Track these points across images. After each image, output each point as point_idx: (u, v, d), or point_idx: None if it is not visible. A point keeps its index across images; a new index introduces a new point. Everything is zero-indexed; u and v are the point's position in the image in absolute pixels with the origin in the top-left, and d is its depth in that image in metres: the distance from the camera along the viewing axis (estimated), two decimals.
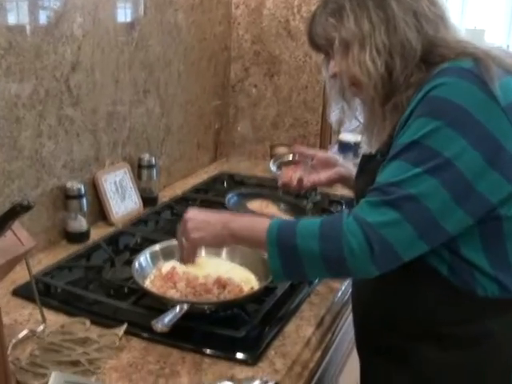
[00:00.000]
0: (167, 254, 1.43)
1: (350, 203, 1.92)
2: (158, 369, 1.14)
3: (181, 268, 1.36)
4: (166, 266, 1.39)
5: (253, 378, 1.08)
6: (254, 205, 1.87)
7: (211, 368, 1.14)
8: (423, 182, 1.01)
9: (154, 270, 1.40)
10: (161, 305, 1.26)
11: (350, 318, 1.42)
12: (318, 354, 1.25)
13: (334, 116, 2.58)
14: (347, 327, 1.49)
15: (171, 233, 1.47)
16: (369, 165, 1.24)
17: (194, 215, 1.22)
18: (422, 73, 1.10)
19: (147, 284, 1.34)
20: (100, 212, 1.84)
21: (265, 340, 1.23)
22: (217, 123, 2.55)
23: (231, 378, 1.10)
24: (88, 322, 1.24)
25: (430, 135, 1.02)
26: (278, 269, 1.08)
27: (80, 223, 1.69)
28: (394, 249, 1.00)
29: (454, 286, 1.10)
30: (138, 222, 1.84)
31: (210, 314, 1.25)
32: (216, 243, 1.21)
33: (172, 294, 1.28)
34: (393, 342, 1.20)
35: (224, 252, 1.46)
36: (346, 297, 1.47)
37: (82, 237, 1.69)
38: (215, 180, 2.29)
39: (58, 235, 1.69)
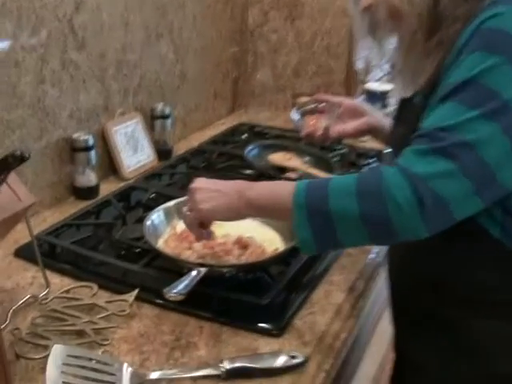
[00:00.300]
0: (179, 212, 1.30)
1: (381, 157, 1.77)
2: (173, 340, 1.02)
3: None
4: (182, 225, 1.26)
5: (278, 353, 0.96)
6: (276, 157, 1.72)
7: (232, 339, 1.02)
8: (481, 126, 0.85)
9: (169, 229, 1.27)
10: (175, 267, 1.13)
11: (382, 280, 1.29)
12: (351, 322, 1.13)
13: (360, 63, 2.42)
14: (378, 291, 1.36)
15: (187, 188, 1.33)
16: (407, 111, 1.09)
17: (203, 184, 1.05)
18: (470, 3, 0.94)
19: (160, 244, 1.21)
20: (110, 166, 1.71)
21: (291, 308, 1.10)
22: (234, 71, 2.39)
23: (254, 352, 0.97)
24: (95, 287, 1.13)
25: (487, 73, 0.87)
26: (307, 239, 0.92)
27: (88, 178, 1.56)
28: (447, 205, 0.85)
29: (507, 249, 0.96)
30: (152, 176, 1.70)
31: (230, 278, 1.13)
32: (231, 215, 1.03)
33: (188, 255, 1.15)
34: (436, 309, 1.07)
35: None
36: (380, 258, 1.34)
37: (90, 192, 1.56)
38: (234, 131, 2.14)
39: (65, 191, 1.57)
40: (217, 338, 1.03)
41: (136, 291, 1.10)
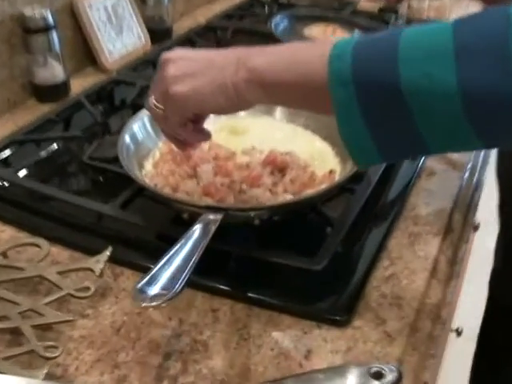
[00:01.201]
0: None
1: None
2: (170, 337, 0.61)
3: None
4: None
5: (347, 368, 0.54)
6: (315, 31, 1.23)
7: (264, 335, 0.61)
8: None
9: (161, 144, 0.83)
10: (171, 208, 0.70)
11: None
12: (452, 285, 0.70)
13: None
14: None
15: None
16: None
17: (180, 54, 0.62)
18: None
19: (147, 171, 0.78)
20: (86, 53, 1.25)
21: (359, 270, 0.68)
22: None
23: (303, 368, 0.56)
24: (46, 245, 0.71)
25: None
26: (362, 141, 0.51)
27: (52, 71, 1.11)
28: None
29: None
30: (142, 65, 1.23)
31: (260, 227, 0.69)
32: (223, 102, 0.59)
33: (189, 188, 0.71)
34: None
35: (278, 107, 0.86)
36: (482, 176, 0.89)
37: (56, 91, 1.13)
38: (252, 3, 1.62)
39: (22, 91, 1.12)
40: (240, 331, 0.61)
41: (108, 251, 0.68)
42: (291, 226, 0.71)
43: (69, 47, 1.19)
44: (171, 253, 0.56)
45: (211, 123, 0.86)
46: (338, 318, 0.62)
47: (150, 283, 0.52)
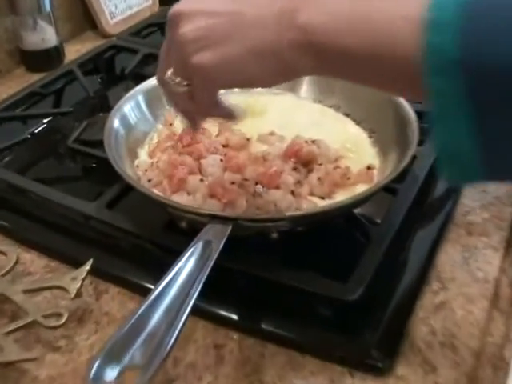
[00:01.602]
0: None
1: None
2: (161, 382, 0.47)
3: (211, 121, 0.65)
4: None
5: None
6: None
7: (281, 381, 0.47)
8: None
9: (160, 127, 0.68)
10: (168, 214, 0.56)
11: None
12: None
13: None
14: None
15: None
16: None
17: (196, 6, 0.45)
18: None
19: (141, 160, 0.63)
20: (84, 16, 1.10)
21: (403, 299, 0.53)
22: None
23: None
24: (13, 252, 0.57)
25: None
26: (463, 144, 0.35)
27: (42, 35, 0.97)
28: None
29: None
30: (148, 28, 1.08)
31: (280, 240, 0.54)
32: (261, 72, 0.43)
33: (191, 186, 0.57)
34: None
35: (304, 83, 0.71)
36: None
37: (48, 59, 0.98)
38: None
39: (8, 59, 0.98)
40: (250, 378, 0.48)
41: (88, 266, 0.54)
42: (317, 238, 0.57)
43: (64, 8, 1.05)
44: (149, 301, 0.42)
45: None
46: (376, 363, 0.48)
47: (111, 359, 0.37)
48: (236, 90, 0.72)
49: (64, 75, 0.91)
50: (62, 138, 0.77)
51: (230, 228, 0.47)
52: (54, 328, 0.50)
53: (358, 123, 0.69)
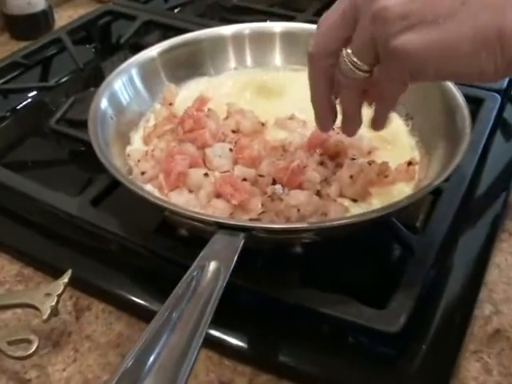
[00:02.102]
0: (193, 62, 0.60)
1: None
2: None
3: (220, 99, 0.55)
4: (187, 94, 0.58)
5: None
6: None
7: None
8: None
9: (158, 106, 0.58)
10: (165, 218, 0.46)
11: None
12: None
13: None
14: None
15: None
16: None
17: None
18: None
19: (135, 147, 0.53)
20: None
21: (449, 327, 0.43)
22: None
23: None
24: None
25: None
26: None
27: None
28: None
29: None
30: None
31: (306, 251, 0.43)
32: (479, 63, 0.33)
33: (194, 182, 0.47)
34: None
35: None
36: None
37: (35, 25, 0.87)
38: None
39: None
40: None
41: (66, 278, 0.44)
42: (343, 250, 0.46)
43: None
44: (153, 331, 0.32)
45: (230, 77, 0.62)
46: None
47: None
48: (249, 65, 0.62)
49: (51, 44, 0.80)
50: (48, 116, 0.67)
51: (242, 241, 0.37)
52: (21, 359, 0.40)
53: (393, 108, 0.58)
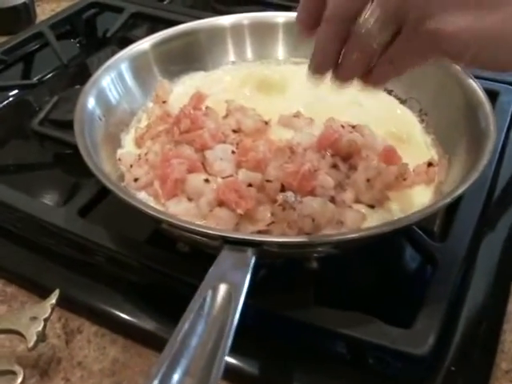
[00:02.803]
0: (188, 56, 0.55)
1: None
2: None
3: (218, 96, 0.50)
4: (182, 91, 0.53)
5: None
6: None
7: None
8: None
9: (151, 105, 0.53)
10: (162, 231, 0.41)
11: None
12: None
13: None
14: None
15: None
16: None
17: None
18: None
19: (125, 150, 0.48)
20: None
21: (481, 345, 0.39)
22: None
23: None
24: None
25: None
26: None
27: None
28: None
29: None
30: None
31: (321, 265, 0.39)
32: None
33: (193, 189, 0.42)
34: None
35: None
36: None
37: (15, 18, 0.82)
38: None
39: None
40: None
41: (54, 298, 0.39)
42: (360, 262, 0.42)
43: None
44: (167, 363, 0.28)
45: (227, 72, 0.58)
46: None
47: None
48: (249, 58, 0.57)
49: (33, 38, 0.75)
50: (30, 116, 0.62)
51: (253, 258, 0.33)
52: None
53: (404, 102, 0.54)
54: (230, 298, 0.30)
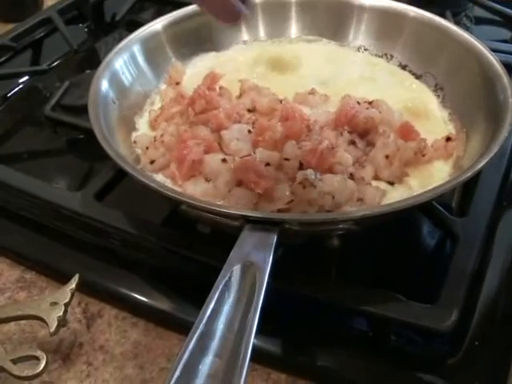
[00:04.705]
0: (201, 36, 0.55)
1: None
2: None
3: (232, 75, 0.50)
4: (194, 72, 0.53)
5: None
6: None
7: None
8: None
9: (164, 86, 0.53)
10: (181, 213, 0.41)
11: None
12: None
13: None
14: None
15: None
16: None
17: None
18: None
19: (140, 132, 0.48)
20: None
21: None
22: None
23: None
24: None
25: None
26: None
27: None
28: None
29: None
30: None
31: (341, 243, 0.39)
32: None
33: (211, 170, 0.42)
34: None
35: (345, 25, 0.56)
36: None
37: (22, 5, 0.82)
38: None
39: None
40: None
41: (74, 283, 0.39)
42: (380, 239, 0.42)
43: None
44: (192, 344, 0.27)
45: (239, 51, 0.57)
46: None
47: None
48: (261, 37, 0.57)
49: (41, 24, 0.75)
50: (42, 102, 0.62)
51: (275, 238, 0.32)
52: (27, 379, 0.36)
53: (419, 77, 0.53)
54: (255, 278, 0.30)
